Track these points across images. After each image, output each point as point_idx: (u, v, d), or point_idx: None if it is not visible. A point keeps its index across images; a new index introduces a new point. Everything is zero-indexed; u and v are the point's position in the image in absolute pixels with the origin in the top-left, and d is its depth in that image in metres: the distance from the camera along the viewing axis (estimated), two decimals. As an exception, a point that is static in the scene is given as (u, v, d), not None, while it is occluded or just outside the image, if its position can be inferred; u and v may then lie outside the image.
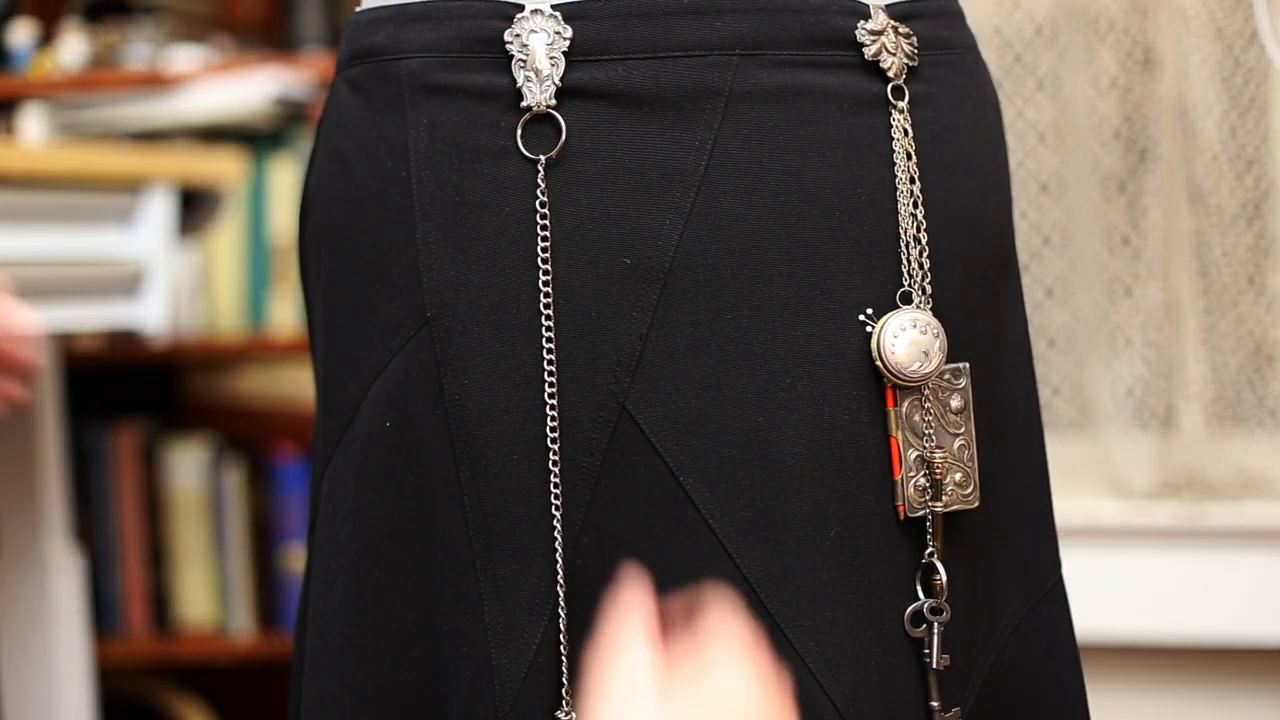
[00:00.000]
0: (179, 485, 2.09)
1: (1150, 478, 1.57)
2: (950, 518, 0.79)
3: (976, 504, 0.80)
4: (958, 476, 0.79)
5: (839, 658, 0.75)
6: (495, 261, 0.76)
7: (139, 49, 2.10)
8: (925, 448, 0.78)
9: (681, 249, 0.75)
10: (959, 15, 0.85)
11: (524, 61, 0.76)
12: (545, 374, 0.75)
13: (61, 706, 1.73)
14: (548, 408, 0.75)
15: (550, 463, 0.75)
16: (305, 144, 2.02)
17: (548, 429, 0.75)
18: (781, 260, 0.76)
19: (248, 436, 2.12)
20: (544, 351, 0.75)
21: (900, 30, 0.79)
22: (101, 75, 2.06)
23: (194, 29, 2.22)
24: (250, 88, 1.99)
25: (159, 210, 1.60)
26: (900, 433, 0.77)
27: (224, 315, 2.09)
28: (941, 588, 0.78)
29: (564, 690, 0.75)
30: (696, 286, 0.75)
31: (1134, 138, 1.56)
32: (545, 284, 0.75)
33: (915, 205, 0.78)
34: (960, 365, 0.79)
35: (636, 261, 0.75)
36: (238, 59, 2.06)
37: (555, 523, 0.75)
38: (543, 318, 0.75)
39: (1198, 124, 1.51)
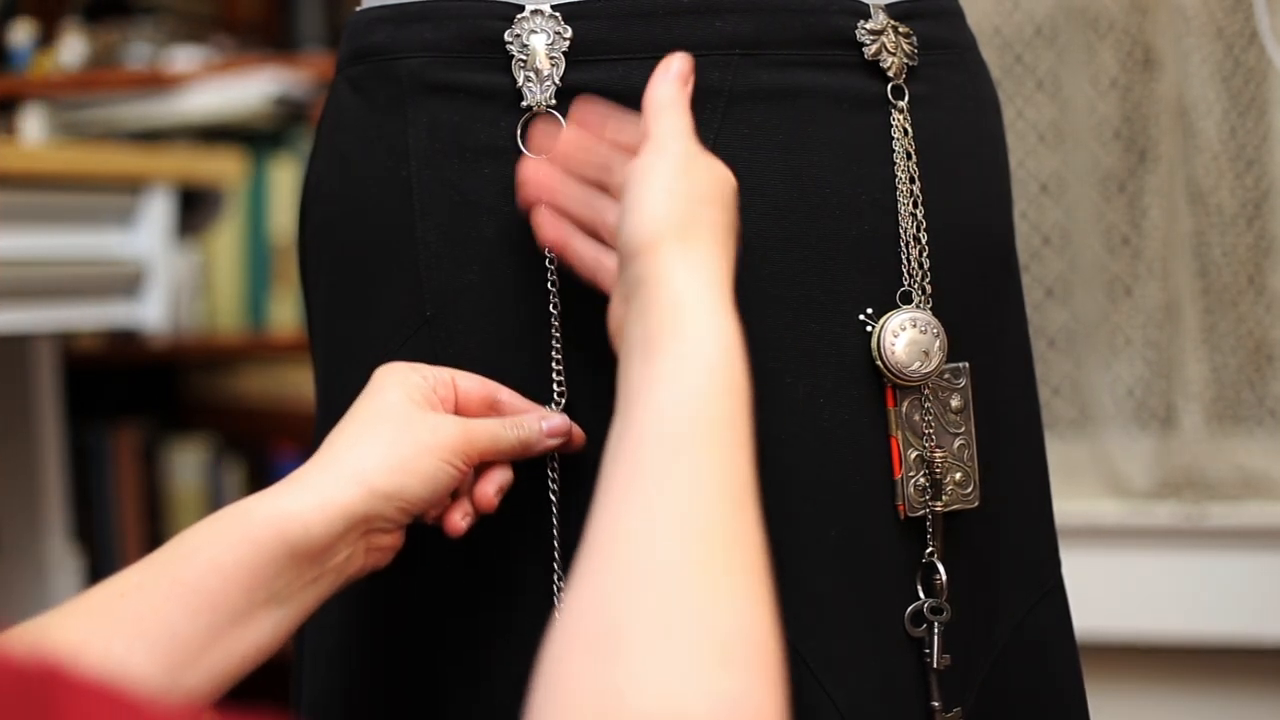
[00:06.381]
0: (179, 485, 2.09)
1: (1150, 478, 1.57)
2: (950, 517, 0.79)
3: (976, 504, 0.80)
4: (958, 476, 0.79)
5: (839, 658, 0.75)
6: (495, 261, 0.76)
7: (139, 49, 2.10)
8: (925, 447, 0.78)
9: (681, 249, 0.75)
10: (959, 15, 0.85)
11: (524, 61, 0.76)
12: (553, 374, 0.75)
13: (61, 706, 1.73)
14: (552, 405, 0.75)
15: (550, 463, 0.75)
16: (305, 144, 2.01)
17: (548, 429, 0.75)
18: (781, 260, 0.76)
19: (248, 436, 2.11)
20: (553, 352, 0.75)
21: (900, 30, 0.79)
22: (101, 75, 2.05)
23: (194, 29, 2.22)
24: (250, 88, 1.99)
25: (159, 210, 1.60)
26: (900, 432, 0.77)
27: (224, 315, 2.09)
28: (942, 587, 0.78)
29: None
30: (697, 286, 0.75)
31: (1134, 138, 1.56)
32: (553, 284, 0.75)
33: (915, 205, 0.78)
34: (960, 365, 0.79)
35: (636, 261, 0.75)
36: (238, 59, 2.06)
37: (554, 523, 0.75)
38: (552, 318, 0.75)
39: (1198, 124, 1.51)
